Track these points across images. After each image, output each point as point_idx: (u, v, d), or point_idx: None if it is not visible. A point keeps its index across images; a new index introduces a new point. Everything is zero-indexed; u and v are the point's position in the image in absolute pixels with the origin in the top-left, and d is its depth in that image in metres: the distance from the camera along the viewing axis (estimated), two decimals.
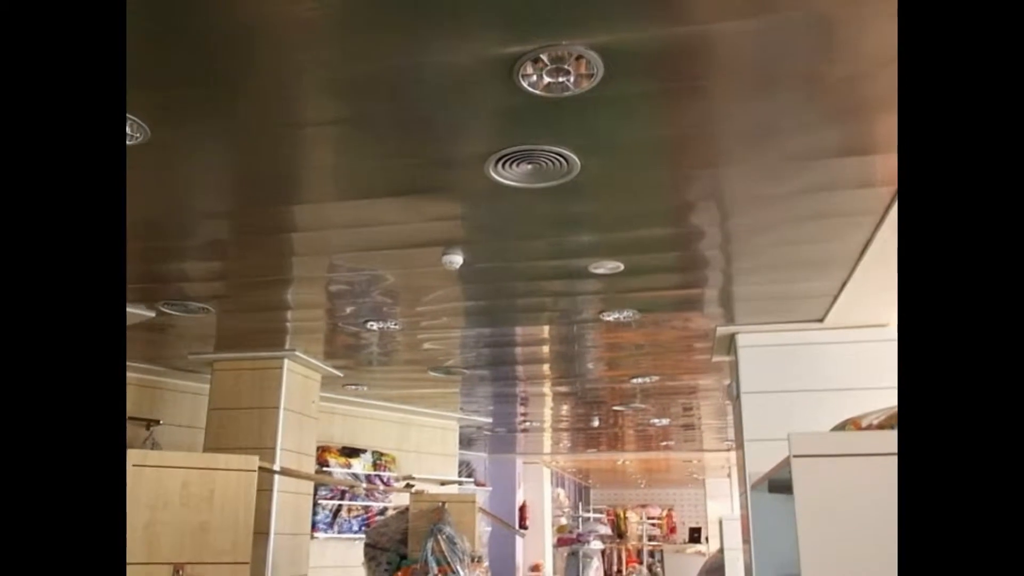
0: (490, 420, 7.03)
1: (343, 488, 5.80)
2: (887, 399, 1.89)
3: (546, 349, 4.35)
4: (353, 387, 5.39)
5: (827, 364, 3.48)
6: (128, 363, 4.56)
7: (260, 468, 3.40)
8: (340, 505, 5.84)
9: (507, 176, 2.10)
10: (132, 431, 4.62)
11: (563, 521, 11.60)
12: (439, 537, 3.81)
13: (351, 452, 6.01)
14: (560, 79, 1.63)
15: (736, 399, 3.68)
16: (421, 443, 6.55)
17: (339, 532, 5.75)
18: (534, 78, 1.63)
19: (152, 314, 3.47)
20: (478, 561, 3.91)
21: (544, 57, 1.56)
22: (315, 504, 5.36)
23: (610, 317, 3.51)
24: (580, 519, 9.89)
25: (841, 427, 1.92)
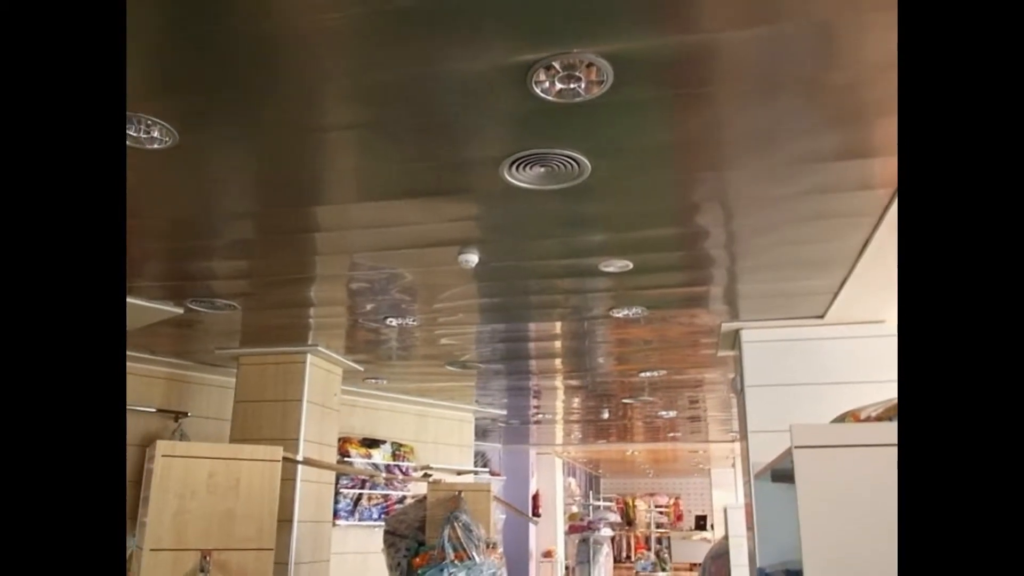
0: (504, 412, 7.03)
1: (363, 477, 5.84)
2: (885, 392, 1.91)
3: (558, 344, 4.36)
4: (373, 381, 5.41)
5: (827, 359, 3.50)
6: (157, 357, 4.63)
7: (284, 458, 3.42)
8: (361, 494, 5.88)
9: (521, 178, 2.12)
10: (161, 422, 4.69)
11: (574, 509, 11.65)
12: (456, 524, 3.83)
13: (371, 443, 6.04)
14: (572, 85, 1.65)
15: (740, 392, 3.70)
16: (438, 434, 6.58)
17: (360, 520, 5.80)
18: (547, 84, 1.65)
19: (180, 311, 3.50)
20: (493, 547, 3.92)
21: (556, 64, 1.58)
22: (337, 493, 5.41)
23: (619, 314, 3.53)
24: (591, 507, 9.92)
25: (841, 419, 1.93)
